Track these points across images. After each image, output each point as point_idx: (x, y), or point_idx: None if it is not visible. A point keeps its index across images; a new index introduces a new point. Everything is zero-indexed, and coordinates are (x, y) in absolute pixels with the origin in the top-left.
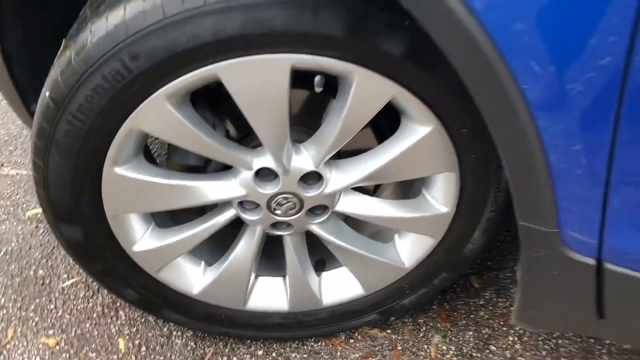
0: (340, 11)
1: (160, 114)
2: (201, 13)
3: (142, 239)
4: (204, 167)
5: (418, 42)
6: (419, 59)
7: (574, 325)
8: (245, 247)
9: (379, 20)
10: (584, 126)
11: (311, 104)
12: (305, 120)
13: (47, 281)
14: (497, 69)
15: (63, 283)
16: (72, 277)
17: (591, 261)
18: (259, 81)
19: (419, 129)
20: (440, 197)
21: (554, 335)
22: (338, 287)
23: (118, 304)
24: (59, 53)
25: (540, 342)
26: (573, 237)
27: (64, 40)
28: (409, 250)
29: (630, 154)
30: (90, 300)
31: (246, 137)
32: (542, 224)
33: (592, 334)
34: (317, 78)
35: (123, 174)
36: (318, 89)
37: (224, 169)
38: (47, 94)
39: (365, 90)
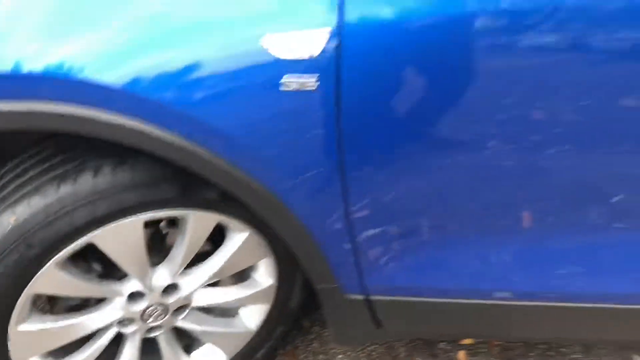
0: (174, 182)
1: (51, 279)
2: (75, 208)
3: None
4: (84, 303)
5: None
6: (229, 196)
7: (368, 336)
8: (128, 354)
9: (199, 181)
10: (327, 211)
11: (162, 235)
12: (159, 247)
13: None
14: (259, 190)
15: None
16: None
17: (361, 297)
18: (122, 237)
19: (240, 236)
20: (265, 275)
21: (367, 345)
22: (207, 359)
23: None
24: None
25: (359, 352)
26: (347, 286)
27: None
28: (252, 317)
29: (365, 230)
30: None
31: (112, 271)
32: (327, 283)
33: (381, 339)
34: (163, 224)
35: (24, 329)
36: (165, 231)
37: (101, 300)
38: None
39: (198, 223)
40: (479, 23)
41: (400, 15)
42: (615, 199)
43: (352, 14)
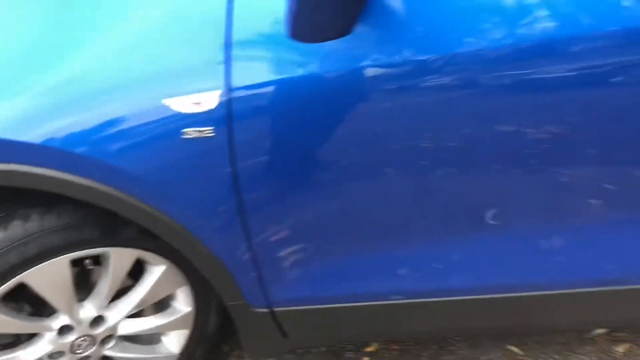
0: (95, 223)
1: None
2: (8, 251)
3: None
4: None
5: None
6: (146, 233)
7: (277, 347)
8: None
9: (118, 221)
10: (234, 243)
11: (87, 272)
12: (85, 283)
13: None
14: (174, 227)
15: None
16: None
17: (267, 310)
18: (50, 276)
19: (158, 269)
20: (183, 302)
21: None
22: None
23: None
24: None
25: None
26: (254, 301)
27: None
28: (174, 342)
29: (267, 254)
30: None
31: (42, 307)
32: (236, 301)
33: (290, 348)
34: (87, 262)
35: None
36: (89, 267)
37: (32, 335)
38: None
39: (119, 259)
40: (348, 78)
41: (276, 78)
42: (488, 209)
43: (238, 79)
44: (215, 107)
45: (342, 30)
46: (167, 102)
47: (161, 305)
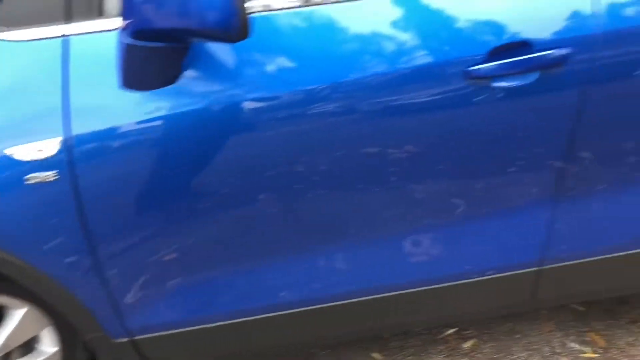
0: None
1: None
2: None
3: None
4: None
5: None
6: (4, 279)
7: None
8: None
9: None
10: (87, 281)
11: None
12: None
13: None
14: (28, 269)
15: None
16: None
17: (127, 340)
18: None
19: (19, 312)
20: (49, 343)
21: None
22: None
23: None
24: None
25: None
26: (113, 332)
27: None
28: None
29: (123, 290)
30: None
31: None
32: (95, 333)
33: None
34: None
35: None
36: None
37: None
38: None
39: None
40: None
41: (112, 124)
42: (354, 223)
43: (77, 126)
44: (56, 153)
45: (167, 80)
46: (9, 151)
47: (26, 348)
